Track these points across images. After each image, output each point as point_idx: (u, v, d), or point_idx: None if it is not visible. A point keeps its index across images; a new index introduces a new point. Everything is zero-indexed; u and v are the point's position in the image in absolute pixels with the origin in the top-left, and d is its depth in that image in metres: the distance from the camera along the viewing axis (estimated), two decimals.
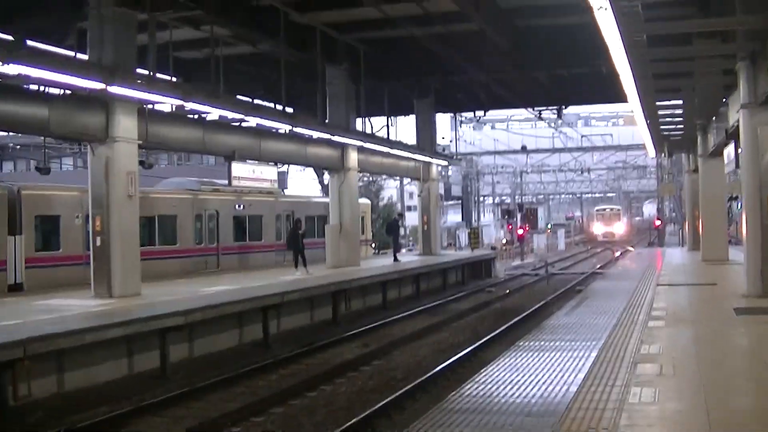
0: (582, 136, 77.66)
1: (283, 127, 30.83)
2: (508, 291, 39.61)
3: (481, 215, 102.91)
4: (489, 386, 12.57)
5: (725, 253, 34.91)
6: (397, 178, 57.72)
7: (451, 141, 67.83)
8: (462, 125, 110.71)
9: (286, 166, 55.56)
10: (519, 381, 12.74)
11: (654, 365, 12.15)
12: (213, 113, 27.59)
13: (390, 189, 73.99)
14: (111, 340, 19.04)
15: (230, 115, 27.88)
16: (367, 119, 40.73)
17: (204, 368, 20.97)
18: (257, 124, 30.15)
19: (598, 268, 49.84)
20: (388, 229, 43.73)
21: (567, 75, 39.43)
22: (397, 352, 23.27)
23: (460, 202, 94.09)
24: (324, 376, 19.74)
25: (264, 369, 21.07)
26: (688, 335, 14.98)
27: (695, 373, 11.59)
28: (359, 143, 36.60)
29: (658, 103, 29.57)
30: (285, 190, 68.32)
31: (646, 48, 19.48)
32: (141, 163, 24.66)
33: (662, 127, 35.76)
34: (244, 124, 30.90)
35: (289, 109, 35.98)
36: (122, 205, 24.34)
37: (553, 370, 13.15)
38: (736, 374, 11.75)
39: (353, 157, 37.40)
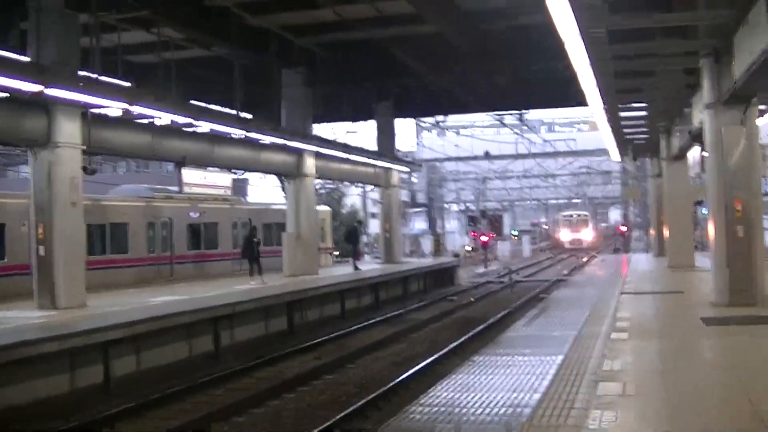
0: (545, 141, 76.95)
1: (236, 132, 29.71)
2: (471, 299, 38.67)
3: (447, 222, 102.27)
4: (437, 408, 11.59)
5: (691, 260, 34.10)
6: (360, 184, 56.44)
7: (411, 146, 66.95)
8: (425, 132, 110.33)
9: (245, 173, 54.31)
10: (470, 402, 11.73)
11: (616, 384, 11.17)
12: (163, 118, 26.40)
13: (353, 196, 72.85)
14: (50, 354, 17.98)
15: (180, 119, 26.72)
16: (331, 125, 39.91)
17: (151, 382, 20.04)
18: (211, 129, 29.10)
19: (564, 275, 49.01)
20: (347, 237, 42.73)
21: (529, 78, 38.57)
22: (351, 366, 22.40)
23: (426, 209, 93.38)
24: (273, 390, 18.90)
25: (211, 383, 20.15)
26: (653, 349, 14.02)
27: (660, 393, 10.62)
28: (315, 149, 35.52)
29: (620, 106, 28.73)
30: (245, 198, 67.46)
31: (606, 44, 18.56)
32: (83, 169, 23.36)
33: (625, 130, 34.94)
34: (196, 130, 29.76)
35: (248, 115, 35.13)
36: (66, 212, 23.23)
37: (508, 390, 12.11)
38: (706, 394, 10.78)
39: (310, 163, 36.34)
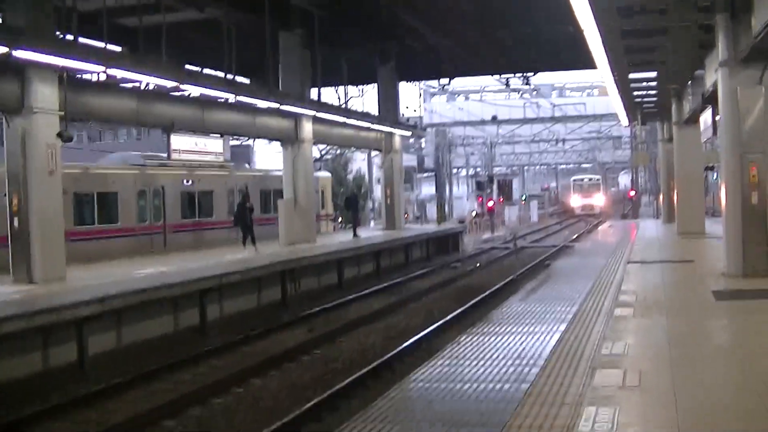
0: (554, 106, 75.20)
1: (227, 96, 28.31)
2: (477, 265, 37.64)
3: (456, 187, 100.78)
4: (415, 395, 10.24)
5: (702, 226, 32.66)
6: (366, 149, 54.96)
7: (415, 110, 65.35)
8: (434, 97, 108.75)
9: (248, 139, 52.83)
10: (451, 390, 10.28)
11: (616, 372, 9.76)
12: (146, 82, 25.03)
13: (359, 162, 71.26)
14: (18, 332, 16.80)
15: (164, 83, 25.31)
16: (339, 90, 38.53)
17: (130, 360, 19.04)
18: (201, 94, 27.82)
19: (570, 242, 47.57)
20: (346, 204, 41.30)
21: (534, 38, 36.97)
22: (343, 339, 21.43)
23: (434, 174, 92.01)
24: (258, 368, 17.89)
25: (195, 360, 19.15)
26: (659, 329, 12.61)
27: (666, 384, 9.19)
28: (312, 113, 34.05)
29: (629, 68, 27.15)
30: (251, 164, 66.05)
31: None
32: (59, 135, 21.95)
33: (635, 93, 33.36)
34: (185, 94, 28.41)
35: (245, 80, 33.79)
36: (42, 181, 21.92)
37: (493, 379, 10.59)
38: (719, 385, 9.36)
39: (308, 128, 34.92)
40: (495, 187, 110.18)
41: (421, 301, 27.80)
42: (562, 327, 13.35)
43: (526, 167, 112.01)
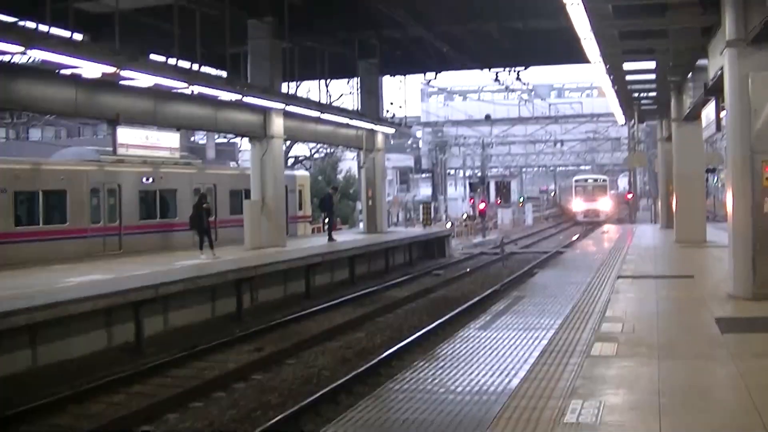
0: (549, 105, 71.87)
1: (180, 86, 25.05)
2: (468, 270, 34.97)
3: (454, 188, 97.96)
4: None
5: (702, 234, 29.29)
6: (348, 148, 51.70)
7: (401, 107, 62.19)
8: (431, 96, 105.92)
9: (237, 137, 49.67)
10: None
11: None
12: (83, 67, 21.76)
13: (349, 161, 68.02)
14: None
15: (102, 68, 22.04)
16: (327, 84, 35.47)
17: (48, 384, 16.35)
18: (155, 84, 24.63)
19: (563, 247, 44.30)
20: (320, 205, 37.91)
21: (523, 29, 33.62)
22: (291, 361, 18.65)
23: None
24: (182, 397, 15.27)
25: (114, 384, 16.48)
26: (647, 380, 9.31)
27: None
28: (281, 106, 30.75)
29: (623, 57, 23.87)
30: (237, 162, 62.88)
31: None
32: None
33: (630, 87, 30.04)
34: (133, 84, 25.19)
35: (215, 71, 30.71)
36: None
37: None
38: None
39: (278, 123, 31.63)
40: (492, 188, 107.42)
41: (391, 315, 25.07)
42: (522, 372, 10.03)
43: (524, 169, 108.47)
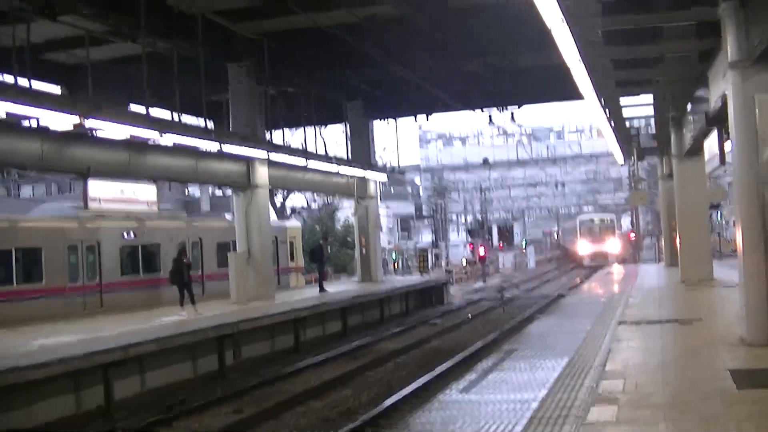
0: (548, 147, 70.46)
1: (150, 136, 23.65)
2: (469, 316, 33.48)
3: (456, 234, 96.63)
4: None
5: (709, 272, 27.63)
6: (339, 196, 50.22)
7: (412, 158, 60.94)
8: (430, 142, 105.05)
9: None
10: None
11: None
12: (42, 117, 20.41)
13: (347, 210, 66.60)
14: None
15: (68, 119, 20.61)
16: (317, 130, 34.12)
17: None
18: (131, 135, 23.27)
19: (566, 290, 42.63)
20: (311, 256, 36.26)
21: (511, 66, 32.10)
22: (271, 423, 17.01)
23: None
24: None
25: None
26: None
27: None
28: (263, 155, 29.27)
29: (618, 90, 22.44)
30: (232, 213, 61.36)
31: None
32: None
33: (628, 122, 28.58)
34: (106, 136, 23.89)
35: (201, 120, 29.44)
36: None
37: None
38: None
39: (261, 173, 30.18)
40: (495, 232, 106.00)
41: (382, 369, 23.20)
42: None
43: (526, 211, 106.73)
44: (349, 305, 31.21)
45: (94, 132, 23.56)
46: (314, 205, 64.06)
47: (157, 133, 23.17)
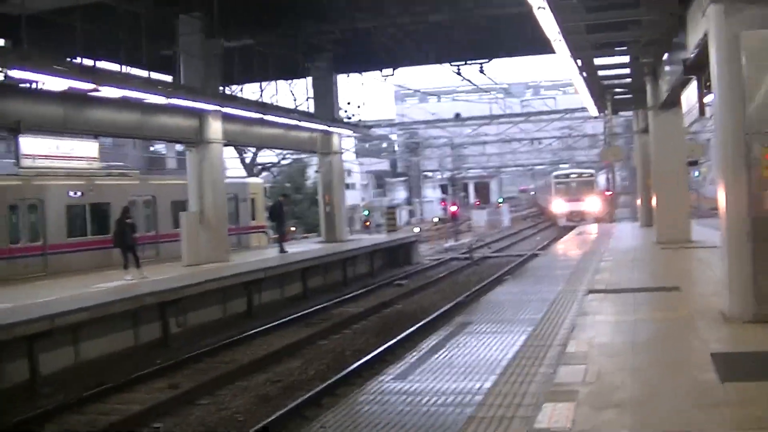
0: (522, 102, 68.29)
1: (83, 87, 21.60)
2: (433, 278, 32.35)
3: (432, 191, 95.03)
4: None
5: (687, 233, 25.73)
6: (300, 151, 48.05)
7: (359, 107, 58.58)
8: (407, 99, 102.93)
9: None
10: None
11: None
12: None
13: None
14: None
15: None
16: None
17: None
18: (69, 87, 21.30)
19: (538, 249, 40.85)
20: (271, 214, 34.23)
21: (477, 20, 30.05)
22: (205, 400, 15.55)
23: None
24: None
25: None
26: None
27: None
28: (216, 108, 27.25)
29: (590, 35, 20.39)
30: None
31: None
32: None
33: (601, 73, 26.57)
34: (39, 87, 21.87)
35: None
36: None
37: None
38: None
39: (215, 127, 28.19)
40: (471, 189, 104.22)
41: (337, 336, 21.80)
42: None
43: (503, 169, 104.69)
44: (309, 266, 29.31)
45: (30, 85, 21.65)
46: (285, 162, 61.87)
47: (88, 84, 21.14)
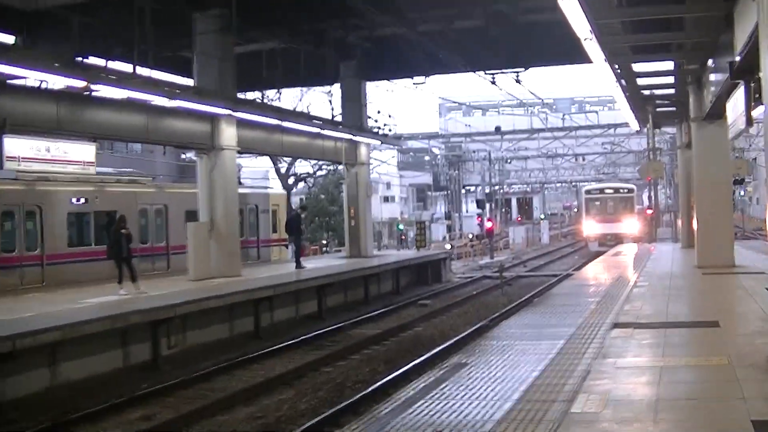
0: (563, 117, 65.72)
1: (77, 84, 19.73)
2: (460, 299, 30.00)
3: (472, 206, 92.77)
4: None
5: (730, 257, 23.29)
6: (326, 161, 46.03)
7: (391, 117, 56.63)
8: (451, 111, 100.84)
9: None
10: None
11: None
12: None
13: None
14: None
15: None
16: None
17: None
18: (67, 86, 19.64)
19: (573, 270, 38.44)
20: (287, 227, 32.07)
21: (517, 21, 27.98)
22: None
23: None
24: None
25: None
26: None
27: None
28: (228, 112, 25.30)
29: (632, 42, 18.25)
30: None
31: None
32: None
33: (641, 81, 24.28)
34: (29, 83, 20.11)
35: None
36: None
37: None
38: None
39: (228, 133, 26.23)
40: (514, 204, 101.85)
41: (343, 363, 19.60)
42: None
43: (546, 185, 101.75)
44: (325, 283, 27.21)
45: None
46: (321, 173, 59.96)
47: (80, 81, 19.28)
